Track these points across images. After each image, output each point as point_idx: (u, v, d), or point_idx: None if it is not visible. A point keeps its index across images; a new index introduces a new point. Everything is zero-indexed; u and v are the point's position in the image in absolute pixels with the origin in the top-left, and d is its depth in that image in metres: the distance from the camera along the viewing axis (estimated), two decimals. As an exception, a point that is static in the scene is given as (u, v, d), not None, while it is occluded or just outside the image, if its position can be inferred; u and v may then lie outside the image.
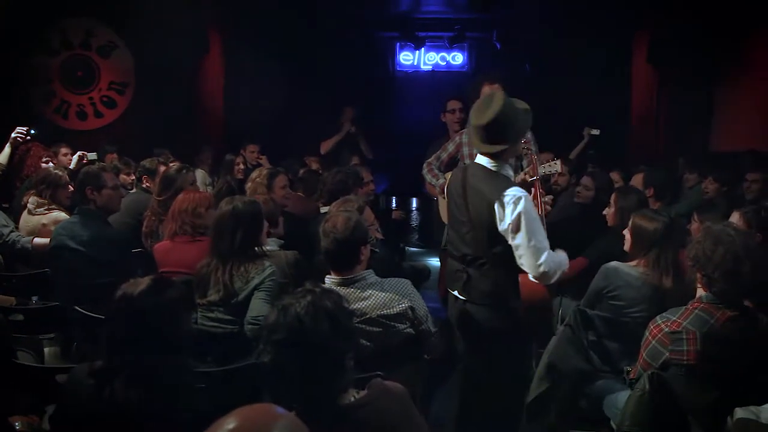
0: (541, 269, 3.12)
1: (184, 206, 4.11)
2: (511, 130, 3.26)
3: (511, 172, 3.41)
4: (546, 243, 3.15)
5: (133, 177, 6.08)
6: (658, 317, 3.04)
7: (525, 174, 4.07)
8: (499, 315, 3.36)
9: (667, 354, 2.91)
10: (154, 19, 8.06)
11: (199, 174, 7.25)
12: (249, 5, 9.21)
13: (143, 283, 2.34)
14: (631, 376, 3.16)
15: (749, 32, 9.78)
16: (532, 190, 3.81)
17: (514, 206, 3.11)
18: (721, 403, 2.76)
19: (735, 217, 4.02)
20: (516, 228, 3.11)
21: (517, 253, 3.16)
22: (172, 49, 8.56)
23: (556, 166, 4.28)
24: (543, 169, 4.18)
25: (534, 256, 3.11)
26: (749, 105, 9.93)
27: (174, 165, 5.11)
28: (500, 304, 3.35)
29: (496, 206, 3.16)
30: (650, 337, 3.00)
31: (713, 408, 2.78)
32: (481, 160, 3.35)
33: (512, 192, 3.15)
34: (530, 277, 3.24)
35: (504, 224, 3.15)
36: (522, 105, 3.36)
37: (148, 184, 5.45)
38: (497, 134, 3.24)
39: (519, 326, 3.39)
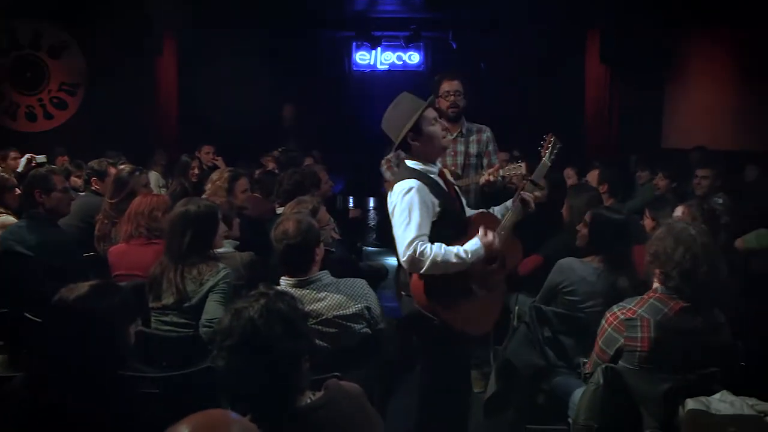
0: (402, 258, 3.11)
1: (141, 208, 4.04)
2: (391, 120, 3.31)
3: (432, 168, 3.34)
4: (413, 233, 3.07)
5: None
6: (614, 306, 3.08)
7: (489, 174, 4.09)
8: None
9: (622, 340, 2.95)
10: (106, 20, 7.93)
11: (153, 176, 7.15)
12: (203, 6, 9.11)
13: (82, 288, 2.28)
14: (587, 367, 3.20)
15: (698, 31, 10.02)
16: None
17: (396, 197, 3.16)
18: (672, 395, 2.82)
19: (679, 211, 4.09)
20: (392, 216, 3.18)
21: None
22: (125, 50, 8.44)
23: (521, 168, 4.33)
24: (507, 171, 4.21)
25: (400, 244, 3.12)
26: (699, 103, 10.18)
27: (126, 167, 5.01)
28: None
29: (389, 197, 3.25)
30: (606, 325, 3.04)
31: (665, 399, 2.83)
32: (407, 161, 3.35)
33: (401, 184, 3.18)
34: None
35: (390, 213, 3.22)
36: (406, 101, 3.34)
37: (97, 186, 5.33)
38: (387, 128, 3.35)
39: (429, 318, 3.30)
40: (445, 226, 3.20)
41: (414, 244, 3.06)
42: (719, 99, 10.18)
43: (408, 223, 3.10)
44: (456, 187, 3.58)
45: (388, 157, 5.11)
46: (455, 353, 3.45)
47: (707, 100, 10.22)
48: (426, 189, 3.17)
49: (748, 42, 9.79)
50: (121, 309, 2.32)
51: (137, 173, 4.82)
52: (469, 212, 3.55)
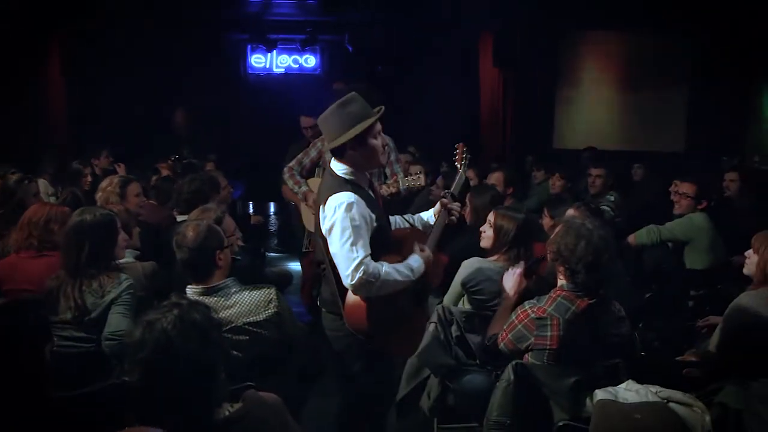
0: (349, 281, 2.90)
1: (36, 218, 3.77)
2: (338, 120, 3.05)
3: (364, 179, 3.21)
4: (360, 254, 2.90)
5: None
6: (525, 303, 3.14)
7: (388, 186, 4.11)
8: (341, 322, 3.16)
9: (532, 339, 3.03)
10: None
11: (41, 183, 6.78)
12: (89, 7, 8.74)
13: None
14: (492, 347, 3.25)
15: (587, 34, 10.47)
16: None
17: (333, 212, 2.96)
18: (580, 386, 2.91)
19: (570, 212, 4.25)
20: (329, 233, 2.97)
21: (334, 261, 2.99)
22: (6, 54, 8.00)
23: (420, 180, 4.36)
24: (407, 182, 4.25)
25: (343, 265, 2.92)
26: (588, 105, 10.64)
27: (13, 176, 4.73)
28: (340, 312, 3.14)
29: (321, 209, 3.04)
30: (516, 321, 3.11)
31: (573, 392, 2.92)
32: (334, 165, 3.17)
33: (336, 197, 2.97)
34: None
35: (324, 229, 3.01)
36: (357, 105, 3.10)
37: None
38: (327, 129, 3.10)
39: (360, 341, 3.18)
40: (377, 241, 3.03)
41: (363, 265, 2.87)
42: (607, 101, 10.69)
43: (353, 243, 2.89)
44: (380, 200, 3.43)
45: (291, 165, 5.05)
46: (386, 367, 3.40)
47: (596, 102, 10.70)
48: (363, 203, 2.99)
49: (635, 45, 10.34)
50: (36, 327, 2.18)
51: (26, 182, 4.57)
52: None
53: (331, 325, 3.26)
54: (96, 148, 7.85)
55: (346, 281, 2.91)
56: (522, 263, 3.40)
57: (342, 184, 3.04)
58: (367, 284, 2.89)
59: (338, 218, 2.92)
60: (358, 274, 2.87)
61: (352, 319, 3.06)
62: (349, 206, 2.93)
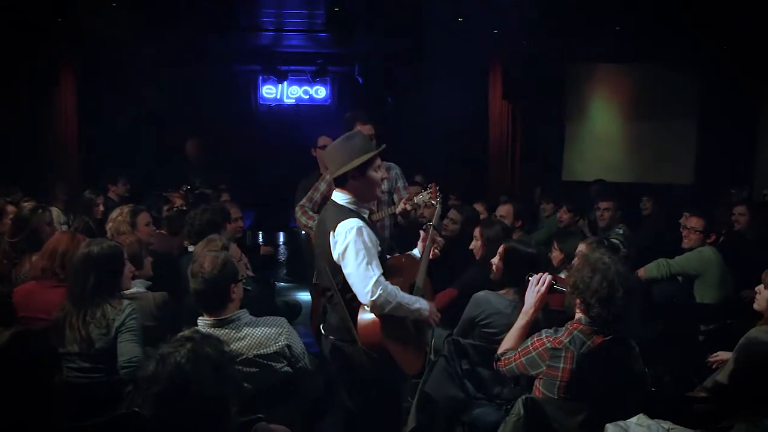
0: (369, 297, 3.10)
1: (63, 249, 3.80)
2: (340, 154, 3.31)
3: (365, 209, 3.42)
4: (376, 272, 3.13)
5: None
6: (543, 331, 3.14)
7: (404, 202, 4.17)
8: (352, 348, 3.29)
9: (544, 368, 3.02)
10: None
11: (54, 212, 6.83)
12: (103, 37, 8.86)
13: (2, 336, 2.15)
14: (501, 364, 3.24)
15: (596, 67, 10.55)
16: (422, 233, 3.79)
17: (345, 236, 3.15)
18: (590, 423, 2.89)
19: (582, 247, 4.26)
20: (344, 257, 3.14)
21: (349, 282, 3.17)
22: (18, 80, 8.11)
23: (428, 195, 4.39)
24: (418, 199, 4.28)
25: (361, 284, 3.11)
26: (596, 137, 10.68)
27: (28, 204, 4.78)
28: (350, 339, 3.28)
29: (331, 236, 3.20)
30: (531, 348, 3.10)
31: (583, 427, 2.91)
32: (335, 196, 3.38)
33: (346, 223, 3.17)
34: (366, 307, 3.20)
35: (335, 253, 3.18)
36: (359, 138, 3.39)
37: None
38: (330, 161, 3.36)
39: (374, 359, 3.29)
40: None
41: (381, 283, 3.11)
42: (616, 133, 10.73)
43: (369, 263, 3.12)
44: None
45: (302, 203, 5.09)
46: (391, 393, 3.49)
47: (604, 134, 10.74)
48: (368, 228, 3.22)
49: (644, 78, 10.40)
50: (46, 357, 2.20)
51: (40, 211, 4.60)
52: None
53: (336, 348, 3.35)
54: (112, 176, 7.91)
55: (366, 298, 3.10)
56: (548, 275, 3.41)
57: (347, 212, 3.26)
58: (385, 302, 3.11)
59: (351, 241, 3.12)
60: (378, 291, 3.09)
61: (367, 336, 3.21)
62: (360, 230, 3.15)
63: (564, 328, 3.08)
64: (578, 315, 3.09)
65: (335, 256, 3.18)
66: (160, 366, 1.83)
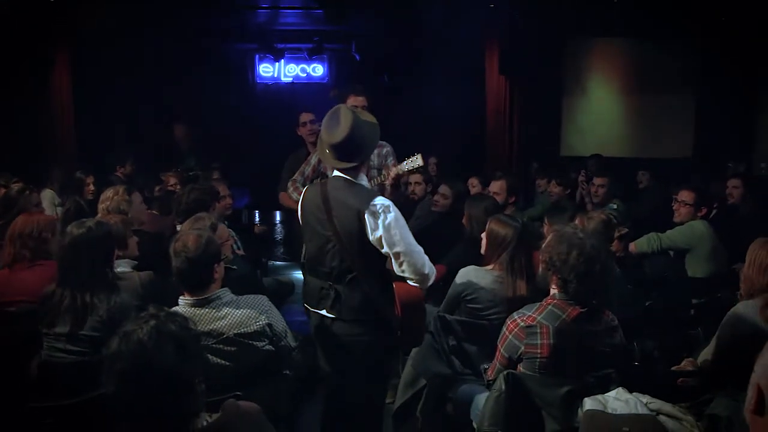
0: (424, 271, 3.18)
1: (27, 230, 3.81)
2: (362, 148, 3.26)
3: (366, 182, 3.44)
4: (420, 246, 3.20)
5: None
6: (514, 313, 3.15)
7: (390, 176, 4.10)
8: (372, 329, 3.27)
9: (523, 347, 3.03)
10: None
11: (48, 194, 6.85)
12: (98, 18, 8.80)
13: None
14: (489, 374, 3.25)
15: (593, 42, 10.45)
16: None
17: (384, 215, 3.11)
18: (572, 397, 2.90)
19: (576, 221, 4.24)
20: (391, 236, 3.11)
21: (397, 261, 3.15)
22: (12, 62, 8.08)
23: (418, 160, 4.34)
24: (407, 165, 4.21)
25: (416, 260, 3.16)
26: (594, 112, 10.61)
27: (15, 185, 4.77)
28: (373, 318, 3.26)
29: (366, 216, 3.12)
30: (507, 332, 3.11)
31: (564, 402, 2.91)
32: (347, 173, 3.30)
33: (381, 201, 3.15)
34: (411, 281, 3.24)
35: (377, 233, 3.12)
36: (369, 118, 3.35)
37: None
38: (349, 153, 3.24)
39: (390, 337, 3.33)
40: None
41: (424, 256, 3.22)
42: (613, 108, 10.66)
43: (412, 238, 3.19)
44: None
45: (294, 177, 5.05)
46: (387, 369, 3.61)
47: (602, 109, 10.67)
48: None
49: (641, 52, 10.32)
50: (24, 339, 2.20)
51: (27, 192, 4.60)
52: None
53: (355, 331, 3.28)
54: (121, 157, 7.90)
55: (422, 271, 3.19)
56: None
57: (370, 190, 3.35)
58: (431, 273, 3.25)
59: (393, 218, 3.13)
60: (429, 264, 3.22)
61: (410, 301, 3.28)
62: (394, 207, 3.18)
63: (537, 305, 3.08)
64: (553, 290, 3.09)
65: (375, 236, 3.13)
66: (123, 343, 1.83)
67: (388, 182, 4.12)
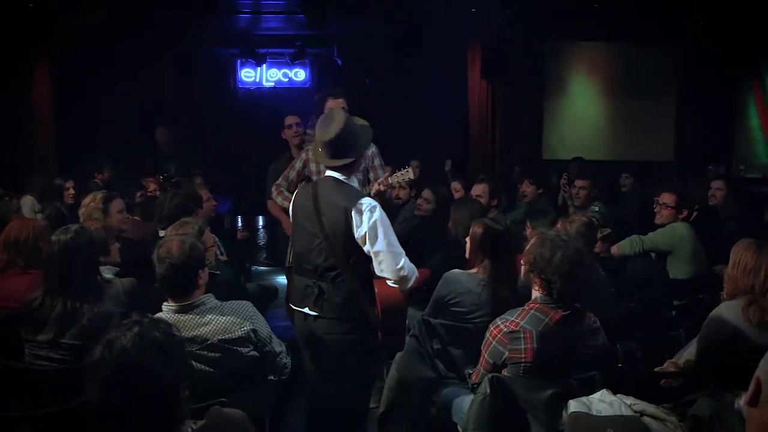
0: (402, 273, 3.23)
1: (22, 237, 3.77)
2: (355, 145, 3.39)
3: (357, 185, 3.56)
4: (401, 249, 3.28)
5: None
6: (497, 318, 3.16)
7: (378, 184, 4.09)
8: (353, 327, 3.36)
9: (507, 353, 3.04)
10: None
11: (28, 200, 6.77)
12: (78, 22, 8.74)
13: None
14: (473, 379, 3.25)
15: (574, 45, 10.51)
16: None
17: (370, 213, 3.22)
18: (556, 399, 2.91)
19: (558, 225, 4.26)
20: (374, 234, 3.21)
21: (377, 260, 3.24)
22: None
23: (409, 173, 4.35)
24: (394, 178, 4.21)
25: (394, 261, 3.22)
26: (576, 115, 10.67)
27: (-7, 193, 4.71)
28: (355, 317, 3.34)
29: (353, 213, 3.24)
30: (491, 338, 3.11)
31: (549, 405, 2.92)
32: (331, 173, 3.43)
33: (368, 201, 3.28)
34: (389, 282, 3.30)
35: (361, 231, 3.23)
36: (361, 121, 3.51)
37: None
38: (342, 149, 3.36)
39: (373, 337, 3.40)
40: None
41: (406, 259, 3.28)
42: (595, 111, 10.74)
43: (395, 239, 3.27)
44: None
45: (278, 182, 5.04)
46: (370, 370, 3.68)
47: (583, 112, 10.75)
48: None
49: (622, 55, 10.41)
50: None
51: (7, 199, 4.54)
52: None
53: (336, 329, 3.37)
54: (98, 164, 7.83)
55: (397, 274, 3.24)
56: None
57: (358, 191, 3.46)
58: (410, 274, 3.30)
59: (377, 218, 3.23)
60: (407, 266, 3.26)
61: (389, 301, 3.33)
62: (380, 208, 3.29)
63: (519, 310, 3.09)
64: (535, 294, 3.10)
65: (359, 233, 3.25)
66: (107, 350, 1.82)
67: (374, 192, 4.14)
